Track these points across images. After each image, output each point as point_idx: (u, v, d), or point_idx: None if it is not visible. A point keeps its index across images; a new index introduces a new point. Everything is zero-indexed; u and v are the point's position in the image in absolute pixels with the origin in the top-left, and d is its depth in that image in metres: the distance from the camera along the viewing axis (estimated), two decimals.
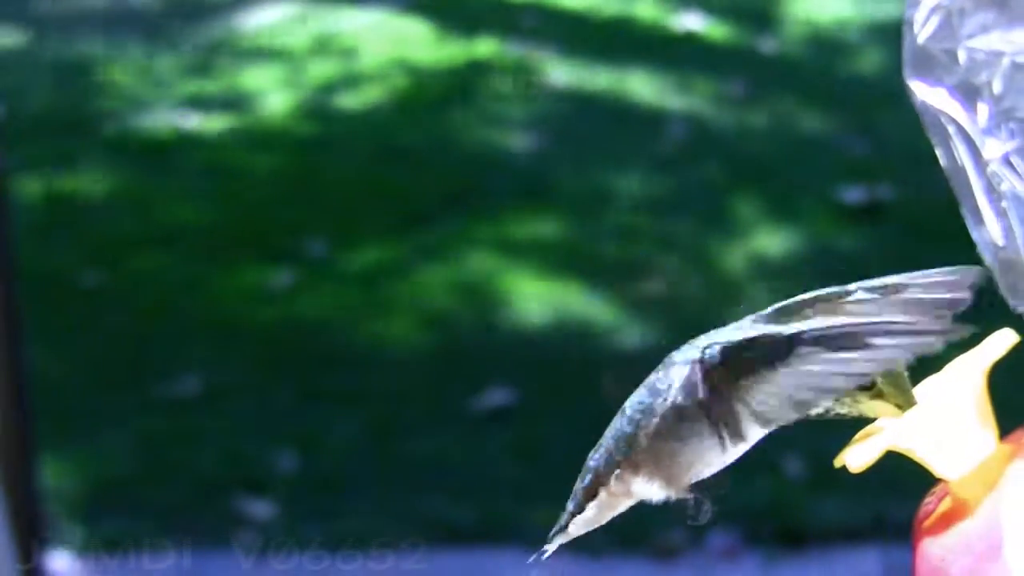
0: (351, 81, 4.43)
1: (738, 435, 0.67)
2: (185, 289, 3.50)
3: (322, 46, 4.64)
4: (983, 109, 0.61)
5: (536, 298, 3.34)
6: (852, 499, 2.67)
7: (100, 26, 4.86)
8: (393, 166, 3.96)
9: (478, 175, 3.88)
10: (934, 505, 0.64)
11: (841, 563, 2.57)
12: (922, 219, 3.47)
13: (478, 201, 3.76)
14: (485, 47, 4.53)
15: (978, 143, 0.61)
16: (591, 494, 0.71)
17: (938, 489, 0.64)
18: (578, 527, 0.72)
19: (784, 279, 3.35)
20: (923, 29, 0.62)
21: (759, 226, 3.59)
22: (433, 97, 4.31)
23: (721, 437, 0.67)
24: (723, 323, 0.70)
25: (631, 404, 0.69)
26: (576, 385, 2.89)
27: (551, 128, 4.08)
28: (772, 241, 3.53)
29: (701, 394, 0.67)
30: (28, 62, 4.67)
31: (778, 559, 2.63)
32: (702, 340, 0.69)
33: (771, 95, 4.24)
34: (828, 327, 0.65)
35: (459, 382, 3.11)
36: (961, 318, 0.65)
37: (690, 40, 4.61)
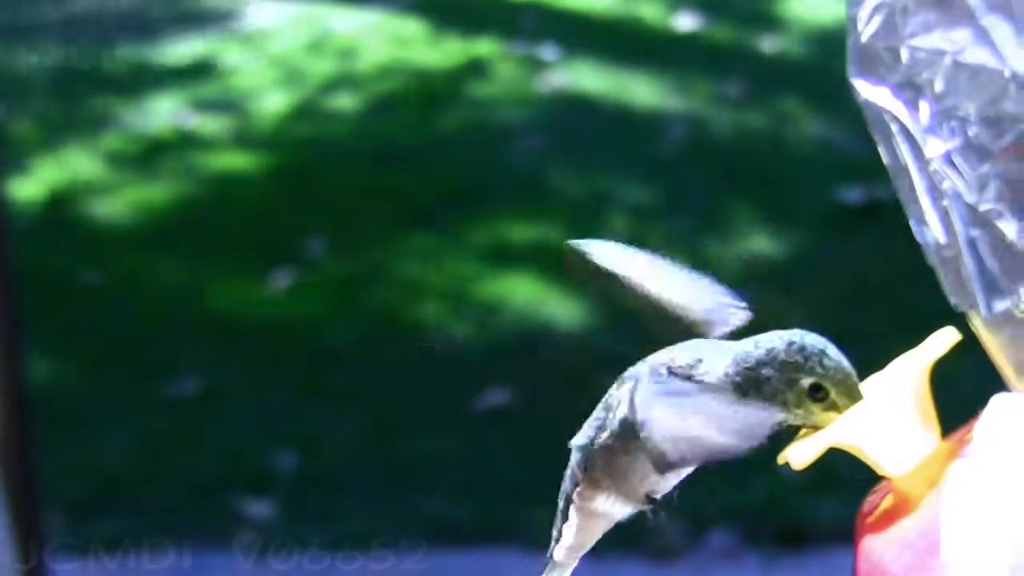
0: (350, 81, 4.43)
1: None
2: (185, 289, 3.50)
3: (321, 46, 4.64)
4: (925, 108, 0.61)
5: (535, 298, 3.34)
6: (852, 499, 2.66)
7: (100, 26, 4.86)
8: (392, 166, 3.96)
9: (478, 175, 3.89)
10: (877, 502, 0.64)
11: (841, 563, 2.56)
12: None
13: (477, 202, 3.76)
14: (485, 47, 4.53)
15: (920, 142, 0.62)
16: (564, 517, 0.71)
17: (881, 486, 0.65)
18: (563, 554, 0.73)
19: (784, 279, 3.35)
20: (866, 27, 0.63)
21: (758, 227, 3.59)
22: (433, 97, 4.31)
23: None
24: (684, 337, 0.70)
25: (589, 423, 0.70)
26: (575, 385, 2.89)
27: (551, 128, 4.08)
28: (771, 242, 3.53)
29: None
30: (28, 62, 4.67)
31: (778, 559, 2.63)
32: (661, 355, 0.69)
33: (771, 95, 4.24)
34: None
35: (458, 382, 3.11)
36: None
37: (690, 40, 4.61)
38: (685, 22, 4.67)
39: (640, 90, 4.26)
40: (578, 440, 0.70)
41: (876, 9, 0.62)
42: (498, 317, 3.32)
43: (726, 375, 0.66)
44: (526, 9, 4.84)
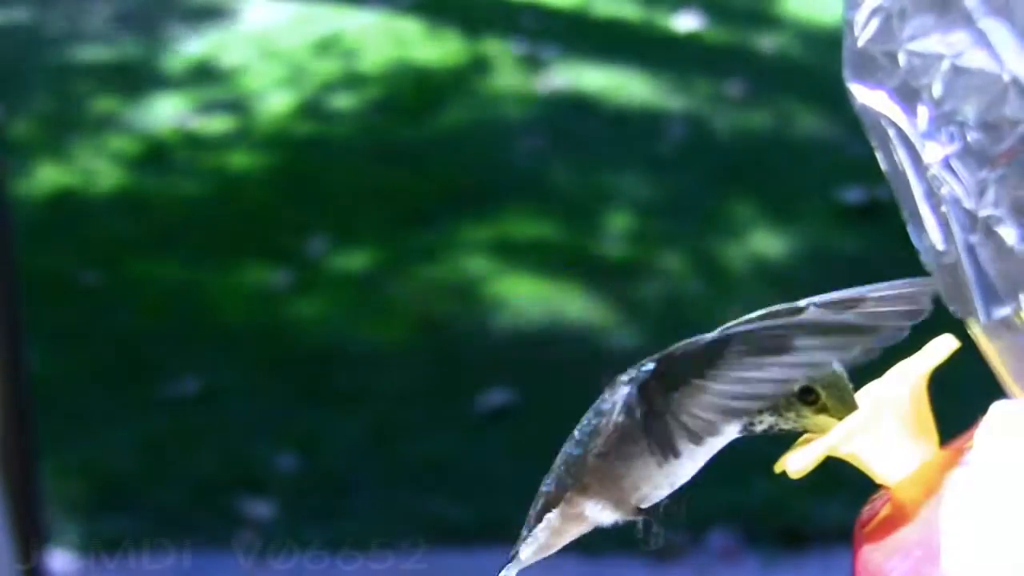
0: (351, 81, 4.43)
1: (672, 452, 0.66)
2: (185, 289, 3.50)
3: (322, 46, 4.64)
4: (923, 112, 0.61)
5: (535, 298, 3.34)
6: (852, 499, 2.66)
7: (100, 26, 4.86)
8: (393, 166, 3.96)
9: (478, 175, 3.89)
10: (875, 510, 0.64)
11: (841, 563, 2.57)
12: None
13: (477, 201, 3.76)
14: (485, 47, 4.53)
15: (918, 147, 0.61)
16: (539, 519, 0.70)
17: (879, 494, 0.64)
18: (530, 554, 0.72)
19: (784, 279, 3.35)
20: (863, 31, 0.62)
21: (759, 226, 3.59)
22: (433, 97, 4.31)
23: (659, 455, 0.66)
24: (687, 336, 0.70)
25: (579, 427, 0.69)
26: (575, 386, 2.88)
27: (551, 128, 4.08)
28: (772, 241, 3.53)
29: (638, 413, 0.66)
30: (28, 62, 4.67)
31: (778, 559, 2.63)
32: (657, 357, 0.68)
33: (771, 95, 4.24)
34: (752, 329, 0.64)
35: (459, 383, 3.11)
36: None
37: (690, 40, 4.61)
38: (685, 22, 4.67)
39: (640, 90, 4.26)
40: (567, 444, 0.70)
41: (873, 13, 0.61)
42: (499, 317, 3.32)
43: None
44: (526, 9, 4.84)
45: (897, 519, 0.61)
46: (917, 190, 0.62)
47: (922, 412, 0.63)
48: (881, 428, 0.63)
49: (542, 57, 4.45)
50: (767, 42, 4.55)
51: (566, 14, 4.80)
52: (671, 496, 0.69)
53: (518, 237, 3.61)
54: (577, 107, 4.21)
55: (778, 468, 0.63)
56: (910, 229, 0.63)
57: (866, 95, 0.62)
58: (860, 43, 0.62)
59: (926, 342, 0.64)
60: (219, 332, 3.34)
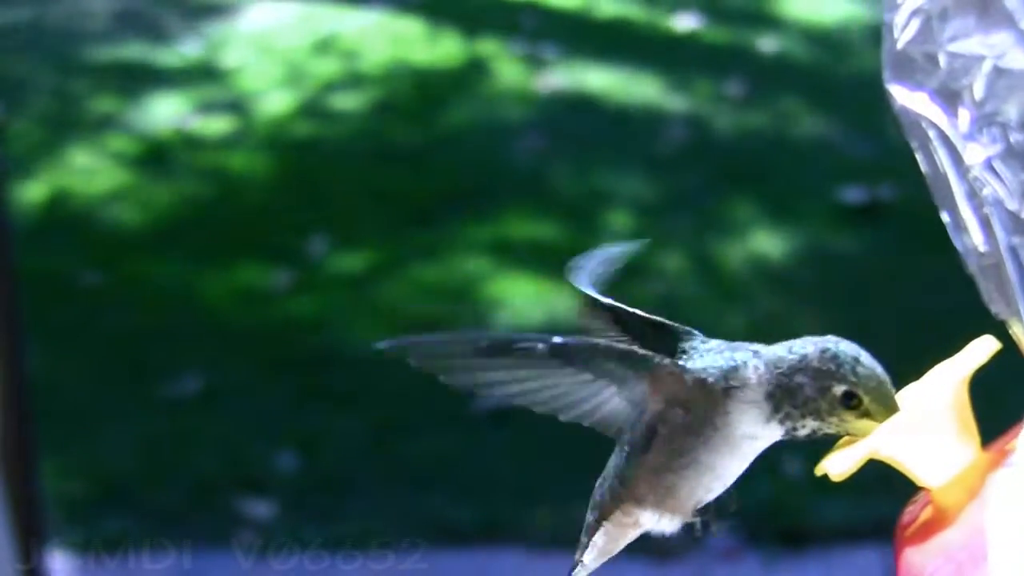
0: (351, 81, 4.43)
1: (720, 458, 0.68)
2: (185, 289, 3.50)
3: (322, 47, 4.64)
4: (964, 114, 0.60)
5: (535, 298, 3.34)
6: (852, 499, 2.67)
7: (100, 26, 4.86)
8: (392, 166, 3.96)
9: (478, 175, 3.89)
10: (916, 513, 0.63)
11: (841, 563, 2.57)
12: (922, 219, 3.47)
13: (477, 202, 3.76)
14: (485, 47, 4.53)
15: (959, 148, 0.61)
16: (596, 528, 0.71)
17: (920, 497, 0.64)
18: (593, 559, 0.73)
19: (784, 279, 3.35)
20: (903, 33, 0.61)
21: (759, 227, 3.59)
22: (433, 97, 4.31)
23: (709, 463, 0.67)
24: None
25: (624, 439, 0.70)
26: None
27: (551, 128, 4.08)
28: (772, 242, 3.53)
29: (680, 419, 0.67)
30: (28, 62, 4.67)
31: (778, 559, 2.63)
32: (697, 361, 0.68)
33: (771, 95, 4.24)
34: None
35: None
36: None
37: (690, 40, 4.61)
38: (685, 22, 4.67)
39: (640, 90, 4.26)
40: (616, 458, 0.70)
41: (913, 14, 0.61)
42: (498, 317, 3.32)
43: (759, 383, 0.66)
44: (526, 9, 4.84)
45: (939, 521, 0.61)
46: (958, 191, 0.61)
47: (963, 414, 0.63)
48: (921, 430, 0.62)
49: (542, 57, 4.45)
50: (767, 42, 4.55)
51: (566, 14, 4.80)
52: (721, 495, 0.70)
53: (518, 237, 3.61)
54: (577, 107, 4.21)
55: (819, 471, 0.63)
56: (950, 231, 0.62)
57: (906, 96, 0.62)
58: (900, 45, 0.61)
59: (967, 344, 0.63)
60: (219, 332, 3.34)
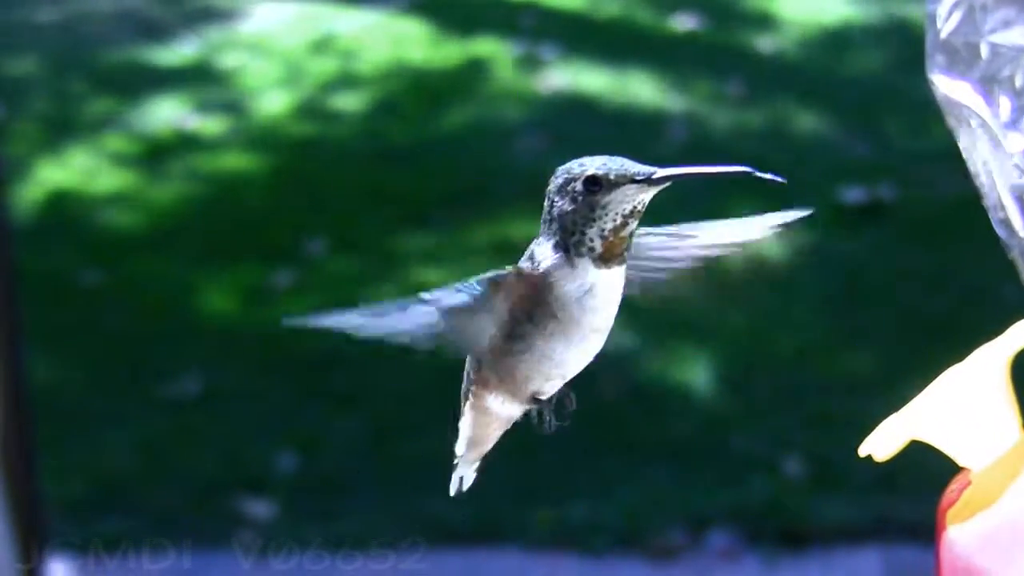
0: (350, 82, 4.43)
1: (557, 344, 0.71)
2: (185, 289, 3.50)
3: (322, 47, 4.64)
4: (1006, 103, 0.61)
5: None
6: (852, 499, 2.67)
7: (100, 26, 4.86)
8: (392, 167, 3.96)
9: (477, 176, 3.89)
10: (957, 494, 0.63)
11: (841, 563, 2.57)
12: (922, 219, 3.47)
13: (477, 202, 3.76)
14: (485, 47, 4.53)
15: (1001, 137, 0.61)
16: (461, 415, 0.76)
17: (961, 478, 0.64)
18: (463, 448, 0.81)
19: (784, 279, 3.35)
20: (946, 23, 0.62)
21: None
22: (432, 98, 4.31)
23: (545, 348, 0.70)
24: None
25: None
26: (574, 385, 2.88)
27: (550, 128, 4.08)
28: (772, 241, 3.53)
29: (519, 311, 0.73)
30: (28, 62, 4.67)
31: (778, 559, 2.63)
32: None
33: (771, 95, 4.24)
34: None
35: (458, 382, 3.10)
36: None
37: (690, 40, 4.61)
38: (685, 22, 4.67)
39: (640, 90, 4.26)
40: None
41: (955, 5, 0.62)
42: None
43: (546, 242, 0.75)
44: (526, 9, 4.84)
45: (981, 503, 0.61)
46: (1000, 180, 0.62)
47: (1004, 396, 0.63)
48: (963, 413, 0.63)
49: (542, 57, 4.45)
50: (766, 42, 4.55)
51: (566, 14, 4.80)
52: (561, 389, 0.73)
53: (518, 237, 3.61)
54: (577, 107, 4.21)
55: (862, 452, 0.63)
56: (992, 218, 0.63)
57: (948, 86, 0.63)
58: (943, 34, 0.62)
59: (1008, 327, 0.64)
60: (219, 332, 3.34)
